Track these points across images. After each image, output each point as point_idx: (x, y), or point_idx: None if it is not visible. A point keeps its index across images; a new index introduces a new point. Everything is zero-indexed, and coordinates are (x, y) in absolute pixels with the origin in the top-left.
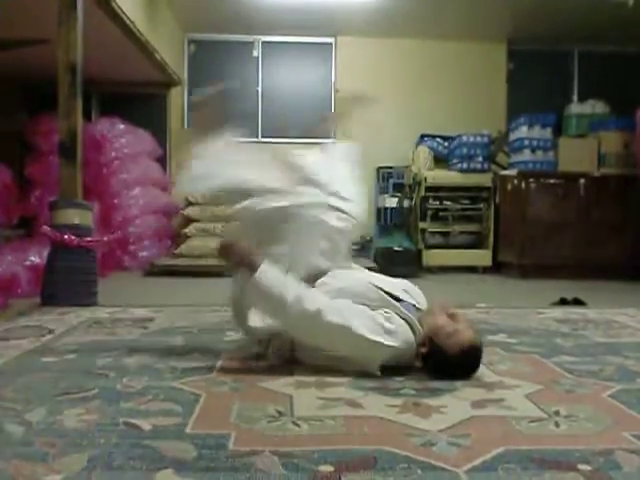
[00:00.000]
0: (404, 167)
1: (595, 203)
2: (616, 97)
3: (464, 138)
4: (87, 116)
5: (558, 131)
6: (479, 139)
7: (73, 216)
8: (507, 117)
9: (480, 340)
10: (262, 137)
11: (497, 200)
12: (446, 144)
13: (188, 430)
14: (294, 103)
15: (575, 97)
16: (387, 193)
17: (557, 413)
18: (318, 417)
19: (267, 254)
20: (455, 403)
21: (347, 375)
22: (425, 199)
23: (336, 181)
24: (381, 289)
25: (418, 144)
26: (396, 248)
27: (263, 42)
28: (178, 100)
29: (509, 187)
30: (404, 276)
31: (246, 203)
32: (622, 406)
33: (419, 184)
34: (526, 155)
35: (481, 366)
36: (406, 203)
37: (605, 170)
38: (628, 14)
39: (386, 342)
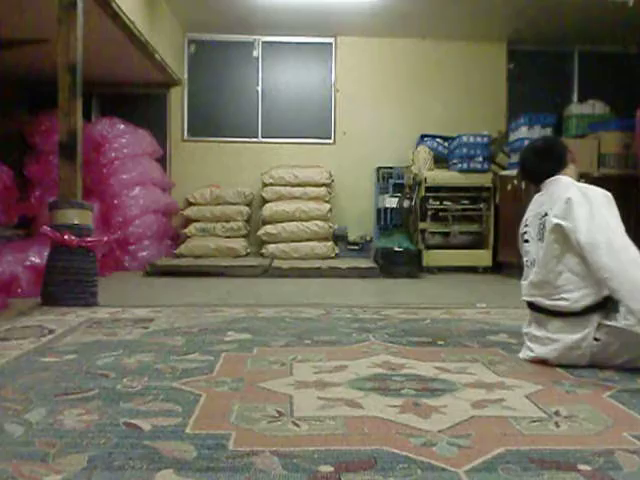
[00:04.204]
0: (404, 167)
1: None
2: (616, 97)
3: (464, 138)
4: (87, 116)
5: (558, 131)
6: (479, 139)
7: (73, 216)
8: (507, 117)
9: None
10: (262, 137)
11: (497, 200)
12: (446, 144)
13: (188, 430)
14: (294, 103)
15: (575, 97)
16: (387, 193)
17: (557, 413)
18: (318, 417)
19: None
20: (455, 403)
21: (347, 375)
22: (425, 199)
23: None
24: None
25: (418, 144)
26: (396, 248)
27: (263, 42)
28: (178, 100)
29: (509, 187)
30: (404, 276)
31: None
32: (622, 406)
33: (419, 184)
34: None
35: (481, 366)
36: (406, 203)
37: (605, 170)
38: (628, 14)
39: None
